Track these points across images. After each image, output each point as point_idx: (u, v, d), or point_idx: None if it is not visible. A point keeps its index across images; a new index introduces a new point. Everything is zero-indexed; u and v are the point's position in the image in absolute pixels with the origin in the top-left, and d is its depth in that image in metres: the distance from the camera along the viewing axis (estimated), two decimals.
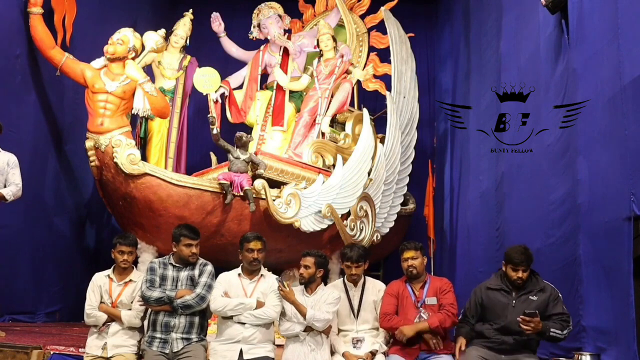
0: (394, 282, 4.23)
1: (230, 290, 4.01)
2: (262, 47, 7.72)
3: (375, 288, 4.26)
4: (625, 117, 3.59)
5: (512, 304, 3.80)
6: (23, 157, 5.49)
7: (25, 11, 5.36)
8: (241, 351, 3.84)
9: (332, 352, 4.07)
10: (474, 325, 3.93)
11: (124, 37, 5.52)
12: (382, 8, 7.48)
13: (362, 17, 7.88)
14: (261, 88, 7.52)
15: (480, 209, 6.43)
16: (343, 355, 4.02)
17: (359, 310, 4.18)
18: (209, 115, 6.11)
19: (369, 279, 4.33)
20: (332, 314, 4.01)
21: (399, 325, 3.95)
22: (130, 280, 4.10)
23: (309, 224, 6.07)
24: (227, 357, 3.83)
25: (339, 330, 4.20)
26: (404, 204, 7.26)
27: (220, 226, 5.74)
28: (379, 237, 6.68)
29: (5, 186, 4.63)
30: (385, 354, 4.05)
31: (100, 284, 4.09)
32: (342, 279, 4.37)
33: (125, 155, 5.32)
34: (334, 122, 7.25)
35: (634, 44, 3.54)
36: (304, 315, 3.92)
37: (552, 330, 3.65)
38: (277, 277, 4.14)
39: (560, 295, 3.81)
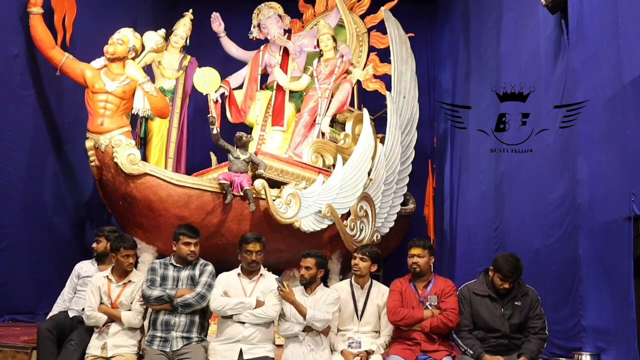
0: (398, 279, 4.24)
1: (230, 289, 4.01)
2: (262, 47, 7.71)
3: (380, 292, 4.27)
4: (625, 117, 3.58)
5: (502, 312, 3.88)
6: (22, 157, 5.53)
7: (25, 11, 5.36)
8: (241, 351, 3.84)
9: (332, 351, 4.08)
10: (474, 332, 3.94)
11: (124, 37, 5.51)
12: (382, 8, 7.48)
13: (362, 17, 7.88)
14: (261, 88, 7.52)
15: (480, 209, 6.43)
16: (341, 353, 4.03)
17: (362, 313, 4.19)
18: (209, 115, 6.10)
19: (375, 283, 4.35)
20: (331, 314, 4.02)
21: (407, 315, 3.97)
22: (130, 281, 4.10)
23: (309, 224, 6.07)
24: (227, 357, 3.83)
25: (338, 330, 4.20)
26: (404, 204, 7.25)
27: (220, 226, 5.73)
28: (379, 237, 6.67)
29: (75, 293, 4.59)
30: (385, 355, 4.05)
31: (99, 284, 4.08)
32: (349, 280, 4.38)
33: (125, 155, 5.31)
34: (334, 122, 7.24)
35: (634, 44, 3.53)
36: (303, 315, 3.92)
37: (538, 350, 3.83)
38: (277, 277, 4.14)
39: (539, 298, 3.96)
